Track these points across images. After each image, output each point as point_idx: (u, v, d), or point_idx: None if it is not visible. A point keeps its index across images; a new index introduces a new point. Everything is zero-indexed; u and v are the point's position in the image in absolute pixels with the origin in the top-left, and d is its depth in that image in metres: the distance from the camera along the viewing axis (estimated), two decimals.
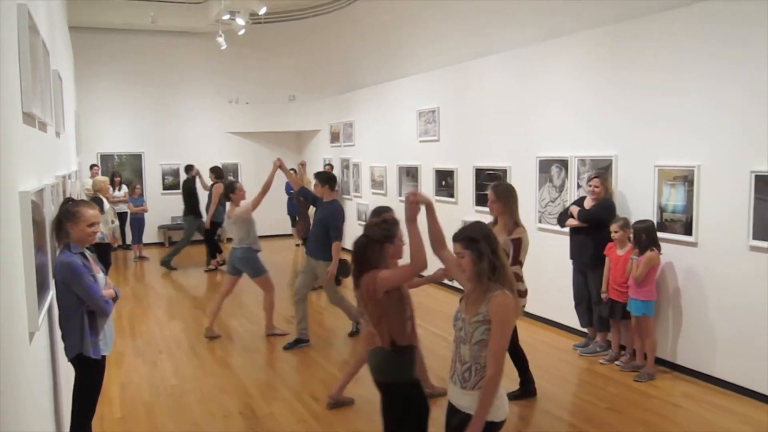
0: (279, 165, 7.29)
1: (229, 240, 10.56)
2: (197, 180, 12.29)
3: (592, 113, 6.78)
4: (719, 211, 5.45)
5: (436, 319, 7.66)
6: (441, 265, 3.81)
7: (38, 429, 2.73)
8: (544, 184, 7.42)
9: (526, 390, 5.35)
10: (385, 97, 11.66)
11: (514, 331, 4.91)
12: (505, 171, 8.11)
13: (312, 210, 8.84)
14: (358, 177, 12.83)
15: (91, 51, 13.64)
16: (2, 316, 1.96)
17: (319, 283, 7.26)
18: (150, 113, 14.61)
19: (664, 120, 5.93)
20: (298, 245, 13.33)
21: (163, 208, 14.26)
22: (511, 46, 8.15)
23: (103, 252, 7.82)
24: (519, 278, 5.05)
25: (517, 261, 5.10)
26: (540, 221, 7.47)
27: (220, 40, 12.69)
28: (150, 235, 13.76)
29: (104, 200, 8.38)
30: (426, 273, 3.72)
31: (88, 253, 3.90)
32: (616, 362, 6.09)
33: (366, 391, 5.01)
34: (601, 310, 6.25)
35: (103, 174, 12.40)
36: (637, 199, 6.22)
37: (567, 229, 6.59)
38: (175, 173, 14.66)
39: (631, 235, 5.89)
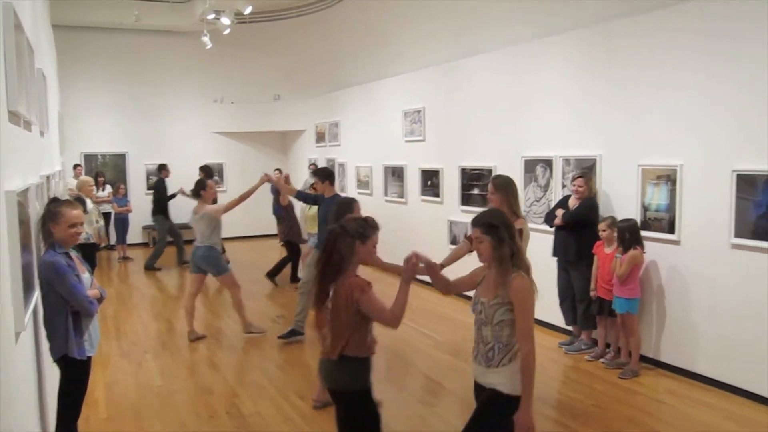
0: (266, 180, 7.28)
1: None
2: (183, 190, 12.19)
3: (577, 113, 6.84)
4: (701, 209, 5.52)
5: (423, 319, 7.69)
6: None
7: (24, 429, 2.71)
8: (529, 184, 7.47)
9: None
10: (371, 97, 11.67)
11: None
12: (490, 171, 8.15)
13: (306, 209, 8.83)
14: (343, 177, 12.82)
15: (74, 50, 13.52)
16: None
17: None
18: (134, 113, 14.50)
19: (648, 120, 6.00)
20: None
21: (147, 208, 14.03)
22: (495, 46, 8.20)
23: (88, 252, 7.75)
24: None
25: None
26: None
27: (206, 39, 12.61)
28: (134, 235, 13.67)
29: (87, 200, 8.29)
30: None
31: (73, 253, 3.88)
32: (601, 360, 6.15)
33: None
34: (591, 308, 6.30)
35: (86, 174, 12.28)
36: (621, 198, 6.28)
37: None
38: (166, 177, 14.55)
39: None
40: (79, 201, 7.59)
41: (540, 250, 7.08)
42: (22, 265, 2.70)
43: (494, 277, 3.22)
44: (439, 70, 9.43)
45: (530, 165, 7.46)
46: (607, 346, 6.29)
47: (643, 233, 5.88)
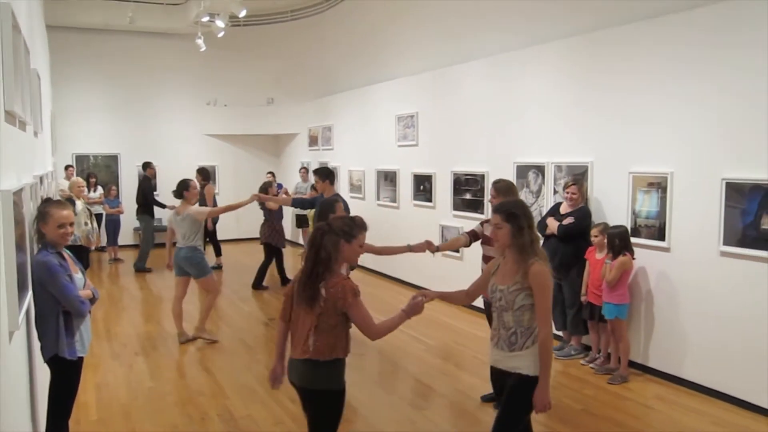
0: (255, 199, 7.30)
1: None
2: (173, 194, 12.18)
3: (569, 120, 6.89)
4: (691, 217, 5.58)
5: (414, 324, 7.66)
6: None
7: (15, 429, 2.71)
8: (521, 190, 7.51)
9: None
10: (365, 102, 11.71)
11: None
12: (482, 176, 8.20)
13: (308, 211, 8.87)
14: (336, 181, 12.82)
15: (67, 50, 13.48)
16: None
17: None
18: (127, 114, 14.47)
19: (638, 128, 6.06)
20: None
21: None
22: (489, 52, 8.25)
23: (79, 254, 7.70)
24: None
25: None
26: None
27: (200, 42, 12.61)
28: (125, 237, 13.63)
29: (78, 202, 8.23)
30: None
31: (66, 253, 3.88)
32: (591, 365, 6.20)
33: None
34: (581, 313, 6.35)
35: (78, 175, 12.24)
36: (612, 205, 6.34)
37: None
38: (154, 176, 14.52)
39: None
40: (69, 202, 7.56)
41: None
42: (17, 264, 2.71)
43: (511, 264, 3.38)
44: (432, 75, 9.47)
45: (522, 171, 7.51)
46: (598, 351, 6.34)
47: (634, 240, 5.94)
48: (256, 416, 5.17)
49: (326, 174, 6.92)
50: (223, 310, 8.71)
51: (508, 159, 7.72)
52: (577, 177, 6.62)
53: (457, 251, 8.52)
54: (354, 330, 3.40)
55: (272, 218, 10.19)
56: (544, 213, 6.81)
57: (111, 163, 14.45)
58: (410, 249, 5.19)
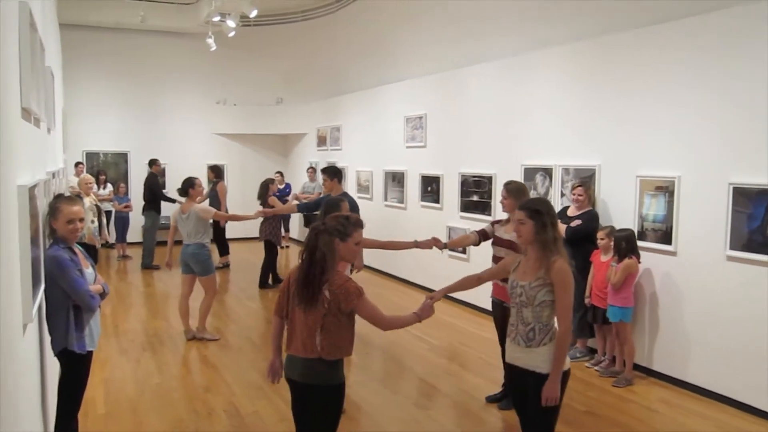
0: (261, 215, 7.44)
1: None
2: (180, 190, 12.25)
3: (577, 123, 6.91)
4: (698, 221, 5.59)
5: (418, 323, 7.71)
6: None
7: (27, 421, 2.76)
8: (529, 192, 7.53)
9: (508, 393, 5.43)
10: (373, 103, 11.75)
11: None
12: (490, 178, 8.22)
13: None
14: (344, 181, 12.88)
15: (79, 49, 13.58)
16: (2, 306, 2.01)
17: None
18: (137, 112, 14.56)
19: (646, 132, 6.07)
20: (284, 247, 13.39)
21: None
22: (497, 55, 8.28)
23: (86, 251, 7.72)
24: None
25: None
26: None
27: (210, 41, 12.68)
28: (134, 234, 13.70)
29: (86, 199, 8.24)
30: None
31: (78, 248, 3.93)
32: (596, 368, 6.21)
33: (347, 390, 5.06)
34: (586, 316, 6.36)
35: (87, 172, 12.33)
36: (619, 208, 6.35)
37: None
38: (161, 173, 14.61)
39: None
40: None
41: None
42: (31, 258, 2.76)
43: (533, 261, 3.45)
44: (441, 77, 9.51)
45: (530, 173, 7.53)
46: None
47: (640, 243, 5.95)
48: (262, 413, 5.22)
49: (334, 172, 6.95)
50: (230, 308, 8.76)
51: (515, 161, 7.75)
52: (585, 179, 6.64)
53: (464, 252, 8.55)
54: (359, 329, 3.44)
55: (275, 216, 10.24)
56: None
57: (120, 160, 14.55)
58: (417, 245, 5.22)
